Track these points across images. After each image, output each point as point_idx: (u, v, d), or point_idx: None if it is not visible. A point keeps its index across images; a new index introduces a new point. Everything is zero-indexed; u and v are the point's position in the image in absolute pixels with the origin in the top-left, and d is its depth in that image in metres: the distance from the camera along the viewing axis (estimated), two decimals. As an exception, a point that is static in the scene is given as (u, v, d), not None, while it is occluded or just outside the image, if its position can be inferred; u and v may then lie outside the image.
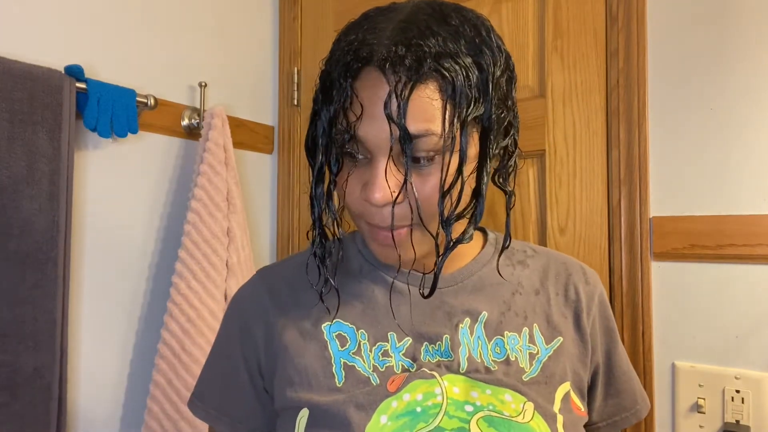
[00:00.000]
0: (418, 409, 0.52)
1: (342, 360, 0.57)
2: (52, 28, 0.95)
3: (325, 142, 0.51)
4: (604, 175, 0.95)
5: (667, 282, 0.90)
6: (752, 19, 0.85)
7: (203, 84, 1.17)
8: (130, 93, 1.00)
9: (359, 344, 0.57)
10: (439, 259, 0.51)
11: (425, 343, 0.57)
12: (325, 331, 0.58)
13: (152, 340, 1.08)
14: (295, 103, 1.35)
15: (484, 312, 0.60)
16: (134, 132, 1.01)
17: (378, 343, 0.57)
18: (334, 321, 0.59)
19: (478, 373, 0.56)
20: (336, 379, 0.55)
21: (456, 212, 0.50)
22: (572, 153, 0.98)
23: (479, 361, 0.57)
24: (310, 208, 0.54)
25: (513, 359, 0.58)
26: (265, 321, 0.61)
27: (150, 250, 1.10)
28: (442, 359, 0.56)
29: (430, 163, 0.50)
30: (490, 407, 0.53)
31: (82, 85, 0.93)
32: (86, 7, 1.00)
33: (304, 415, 0.54)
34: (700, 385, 0.86)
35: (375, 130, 0.49)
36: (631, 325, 0.91)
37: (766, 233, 0.81)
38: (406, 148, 0.47)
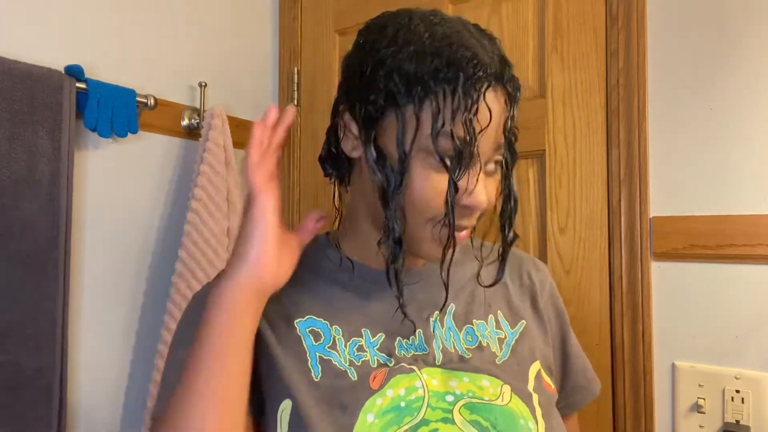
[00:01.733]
0: (402, 404, 0.53)
1: (317, 354, 0.57)
2: (52, 28, 0.95)
3: (424, 146, 0.52)
4: (604, 175, 0.95)
5: (667, 282, 0.90)
6: (752, 19, 0.85)
7: (203, 84, 1.17)
8: (130, 93, 1.00)
9: (333, 339, 0.58)
10: (504, 253, 0.59)
11: (398, 338, 0.59)
12: (298, 327, 0.58)
13: (152, 340, 1.08)
14: (295, 103, 1.35)
15: (452, 304, 0.63)
16: (134, 132, 1.01)
17: (352, 339, 0.58)
18: (306, 317, 0.59)
19: (453, 363, 0.58)
20: (313, 373, 0.55)
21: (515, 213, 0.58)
22: (572, 153, 0.98)
23: (453, 351, 0.59)
24: (390, 220, 0.53)
25: (485, 345, 0.61)
26: None
27: (150, 250, 1.10)
28: (417, 353, 0.59)
29: (498, 168, 0.58)
30: (470, 394, 0.55)
31: (82, 85, 0.93)
32: (86, 7, 1.00)
33: (286, 407, 0.54)
34: (700, 385, 0.86)
35: (490, 141, 0.54)
36: (631, 325, 0.91)
37: (766, 233, 0.81)
38: (508, 159, 0.57)
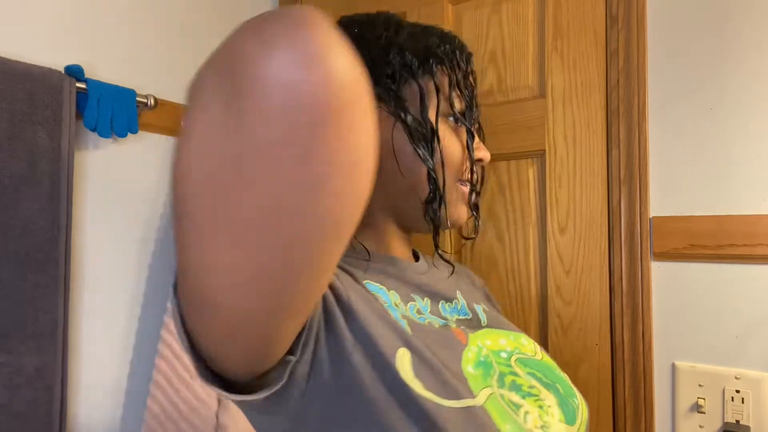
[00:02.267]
0: (482, 359, 0.55)
1: (392, 313, 0.53)
2: (52, 28, 0.95)
3: (443, 110, 0.59)
4: (604, 175, 0.95)
5: (667, 282, 0.90)
6: (752, 19, 0.85)
7: (203, 84, 1.16)
8: (130, 93, 1.00)
9: (394, 303, 0.56)
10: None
11: (441, 301, 0.61)
12: (366, 286, 0.54)
13: (152, 340, 1.08)
14: (295, 103, 1.35)
15: (457, 290, 0.68)
16: (134, 132, 1.01)
17: (408, 303, 0.58)
18: (365, 281, 0.56)
19: (495, 323, 0.63)
20: (401, 326, 0.51)
21: None
22: (572, 153, 0.98)
23: (484, 315, 0.64)
24: (432, 182, 0.57)
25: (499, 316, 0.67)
26: None
27: (150, 250, 1.10)
28: (461, 317, 0.61)
29: None
30: (516, 351, 0.59)
31: (82, 85, 0.93)
32: (86, 7, 1.00)
33: (404, 354, 0.47)
34: (700, 385, 0.86)
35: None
36: (631, 325, 0.91)
37: (766, 233, 0.81)
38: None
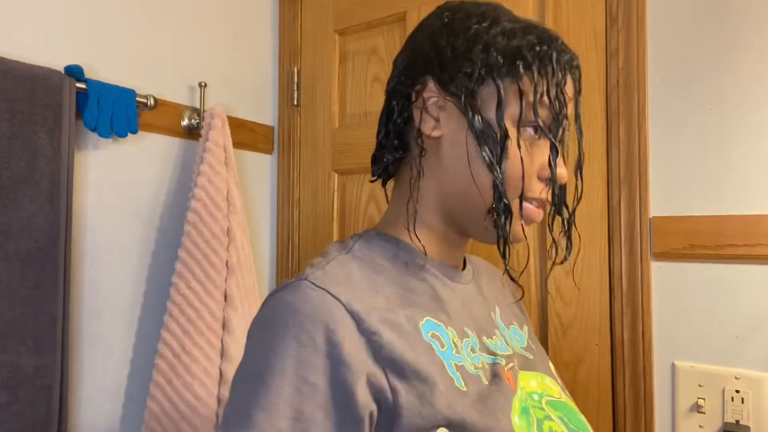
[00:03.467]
0: (524, 405, 0.53)
1: (452, 361, 0.51)
2: (52, 28, 0.95)
3: (524, 117, 0.54)
4: (604, 175, 0.95)
5: (667, 282, 0.90)
6: (752, 19, 0.85)
7: (203, 84, 1.17)
8: (130, 93, 1.00)
9: (453, 342, 0.53)
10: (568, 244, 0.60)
11: (484, 336, 0.58)
12: (423, 331, 0.51)
13: (152, 340, 1.08)
14: (295, 103, 1.35)
15: (496, 306, 0.65)
16: (134, 132, 1.01)
17: (464, 340, 0.54)
18: (425, 319, 0.52)
19: (525, 363, 0.60)
20: (456, 383, 0.49)
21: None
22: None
23: (519, 351, 0.61)
24: (497, 189, 0.53)
25: (529, 345, 0.64)
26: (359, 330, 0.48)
27: (150, 250, 1.10)
28: (501, 352, 0.58)
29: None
30: (545, 393, 0.57)
31: (82, 85, 0.93)
32: (86, 7, 1.00)
33: None
34: (700, 385, 0.86)
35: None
36: (631, 325, 0.91)
37: (766, 233, 0.81)
38: (578, 137, 0.59)
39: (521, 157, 0.53)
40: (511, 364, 0.57)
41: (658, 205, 0.91)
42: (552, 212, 0.58)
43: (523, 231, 0.57)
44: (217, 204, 1.08)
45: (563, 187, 0.58)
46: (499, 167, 0.53)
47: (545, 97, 0.53)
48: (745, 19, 0.85)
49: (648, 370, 0.90)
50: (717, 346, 0.86)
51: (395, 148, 0.60)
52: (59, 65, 0.93)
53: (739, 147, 0.85)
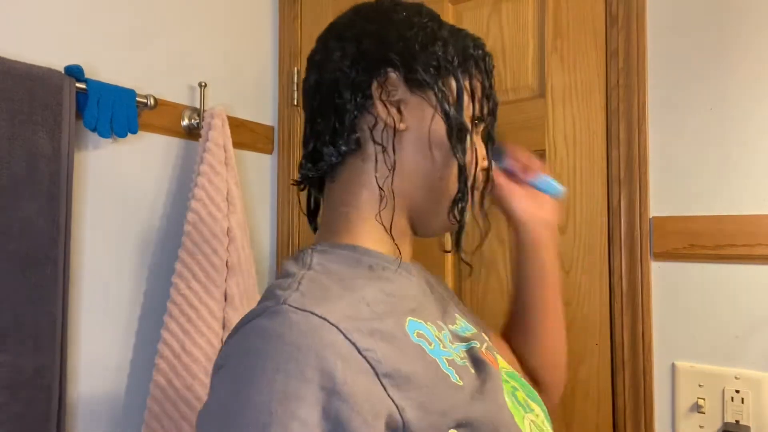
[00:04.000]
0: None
1: (443, 357, 0.50)
2: (52, 28, 0.95)
3: (472, 113, 0.59)
4: (604, 175, 0.95)
5: (667, 282, 0.90)
6: (752, 19, 0.85)
7: (203, 84, 1.17)
8: (130, 93, 1.00)
9: (436, 338, 0.52)
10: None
11: (450, 324, 0.58)
12: (409, 333, 0.49)
13: (152, 340, 1.08)
14: (295, 103, 1.35)
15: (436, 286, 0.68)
16: (134, 132, 1.01)
17: (442, 332, 0.54)
18: (408, 320, 0.51)
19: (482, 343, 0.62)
20: (452, 379, 0.48)
21: None
22: (572, 153, 0.98)
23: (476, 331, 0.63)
24: (462, 182, 0.56)
25: (477, 329, 0.66)
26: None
27: (150, 250, 1.10)
28: (470, 334, 0.60)
29: None
30: (502, 366, 0.59)
31: (82, 85, 0.93)
32: (86, 7, 1.00)
33: None
34: (700, 385, 0.86)
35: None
36: (631, 325, 0.91)
37: (766, 233, 0.81)
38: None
39: (475, 149, 0.58)
40: (485, 344, 0.59)
41: (658, 205, 0.91)
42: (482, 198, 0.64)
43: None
44: (217, 204, 1.08)
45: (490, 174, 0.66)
46: (464, 157, 0.56)
47: (484, 95, 0.59)
48: (745, 19, 0.85)
49: (648, 370, 0.90)
50: (717, 346, 0.86)
51: (349, 144, 0.56)
52: (59, 65, 0.93)
53: (739, 147, 0.85)
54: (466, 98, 0.57)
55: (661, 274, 0.90)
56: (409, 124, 0.56)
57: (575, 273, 0.97)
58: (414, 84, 0.55)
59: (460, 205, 0.56)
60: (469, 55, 0.58)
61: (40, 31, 0.93)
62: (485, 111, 0.59)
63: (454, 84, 0.56)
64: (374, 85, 0.55)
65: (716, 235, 0.85)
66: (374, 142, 0.55)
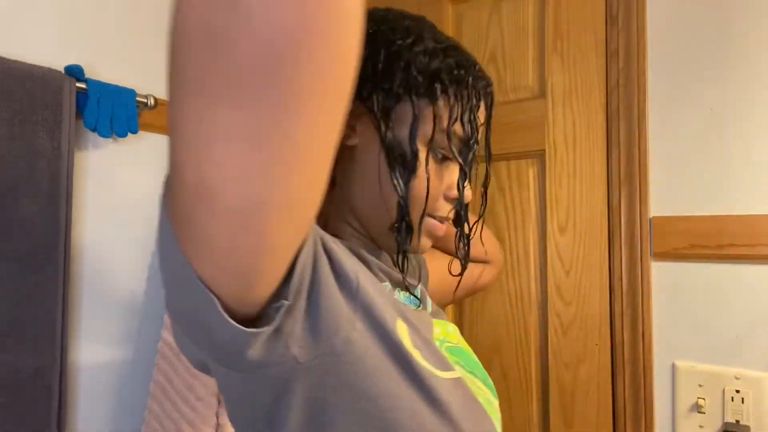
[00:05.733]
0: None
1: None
2: (52, 28, 0.95)
3: (436, 140, 0.54)
4: (604, 175, 0.95)
5: (667, 282, 0.90)
6: (752, 19, 0.85)
7: (203, 84, 1.16)
8: (130, 93, 1.00)
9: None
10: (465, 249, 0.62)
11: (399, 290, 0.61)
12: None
13: (152, 340, 1.08)
14: (295, 103, 1.35)
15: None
16: (134, 132, 1.01)
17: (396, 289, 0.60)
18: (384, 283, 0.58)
19: (435, 314, 0.65)
20: (394, 297, 0.55)
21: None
22: (572, 153, 0.98)
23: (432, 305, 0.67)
24: (404, 207, 0.53)
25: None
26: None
27: (150, 250, 1.10)
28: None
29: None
30: (445, 339, 0.60)
31: (82, 85, 0.93)
32: (86, 7, 1.00)
33: (402, 325, 0.48)
34: (700, 385, 0.86)
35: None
36: (631, 325, 0.91)
37: (766, 233, 0.81)
38: (487, 160, 0.61)
39: (428, 178, 0.53)
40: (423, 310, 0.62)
41: (658, 205, 0.91)
42: (457, 232, 0.60)
43: (425, 244, 0.60)
44: (217, 204, 1.08)
45: (466, 205, 0.60)
46: (406, 186, 0.53)
47: (458, 122, 0.54)
48: (746, 19, 0.85)
49: (648, 370, 0.90)
50: (717, 346, 0.86)
51: None
52: (59, 65, 0.93)
53: (738, 147, 0.85)
54: (424, 124, 0.53)
55: (661, 274, 0.90)
56: (360, 142, 0.56)
57: (575, 273, 0.97)
58: (365, 104, 0.54)
59: (396, 233, 0.55)
60: (438, 78, 0.53)
61: (40, 31, 0.93)
62: (452, 140, 0.54)
63: (409, 107, 0.53)
64: None
65: (716, 235, 0.85)
66: None
